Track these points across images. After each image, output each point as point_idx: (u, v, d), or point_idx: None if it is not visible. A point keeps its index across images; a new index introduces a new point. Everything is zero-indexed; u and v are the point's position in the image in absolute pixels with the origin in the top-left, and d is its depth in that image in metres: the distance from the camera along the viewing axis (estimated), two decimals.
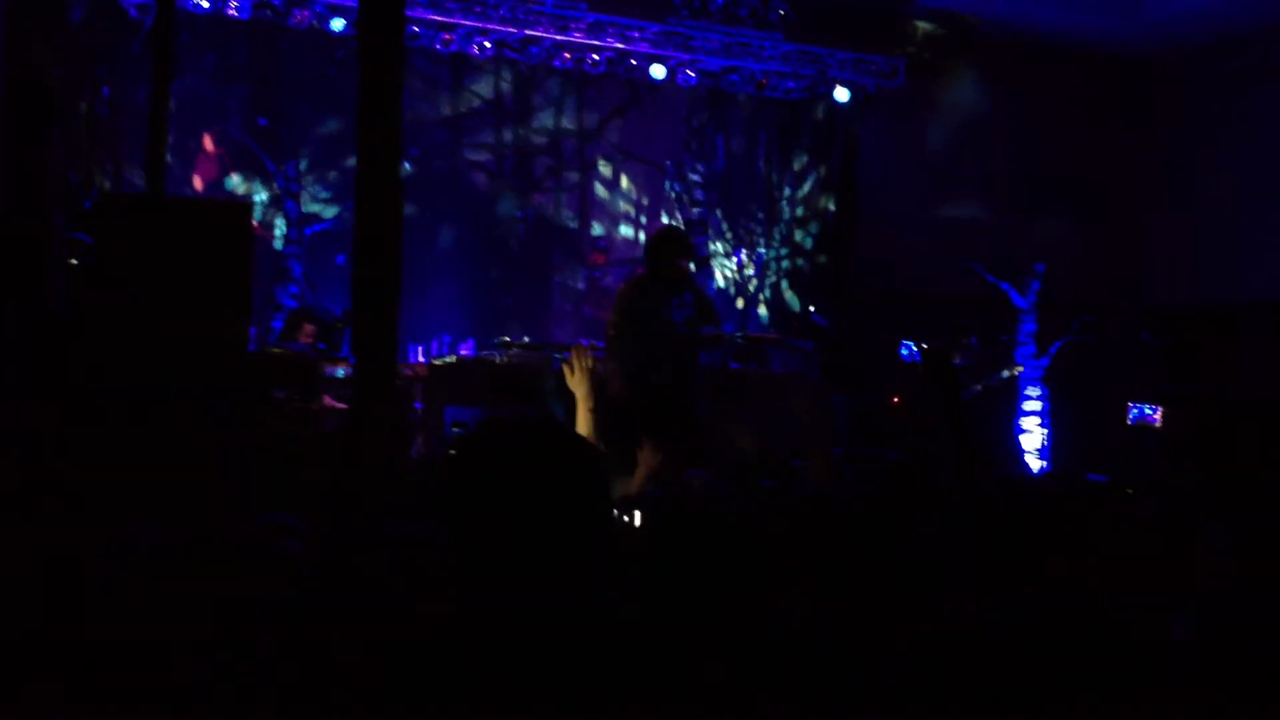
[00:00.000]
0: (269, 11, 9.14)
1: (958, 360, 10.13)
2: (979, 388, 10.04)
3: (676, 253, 6.95)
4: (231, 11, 9.09)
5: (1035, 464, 10.75)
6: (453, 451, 1.73)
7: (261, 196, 9.68)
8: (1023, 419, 10.96)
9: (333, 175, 9.90)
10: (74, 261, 8.05)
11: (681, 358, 6.99)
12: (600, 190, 11.00)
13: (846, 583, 2.26)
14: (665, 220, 11.02)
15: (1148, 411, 9.03)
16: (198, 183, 9.55)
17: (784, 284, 11.30)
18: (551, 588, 1.58)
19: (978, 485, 2.58)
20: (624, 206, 11.07)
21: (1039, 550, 2.37)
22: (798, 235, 11.38)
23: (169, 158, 7.98)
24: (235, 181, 9.68)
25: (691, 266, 7.02)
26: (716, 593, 2.03)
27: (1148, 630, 2.26)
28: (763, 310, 11.29)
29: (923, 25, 10.61)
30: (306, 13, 9.20)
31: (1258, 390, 9.56)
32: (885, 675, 1.94)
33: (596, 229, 10.96)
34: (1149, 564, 2.60)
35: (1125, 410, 9.62)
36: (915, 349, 10.01)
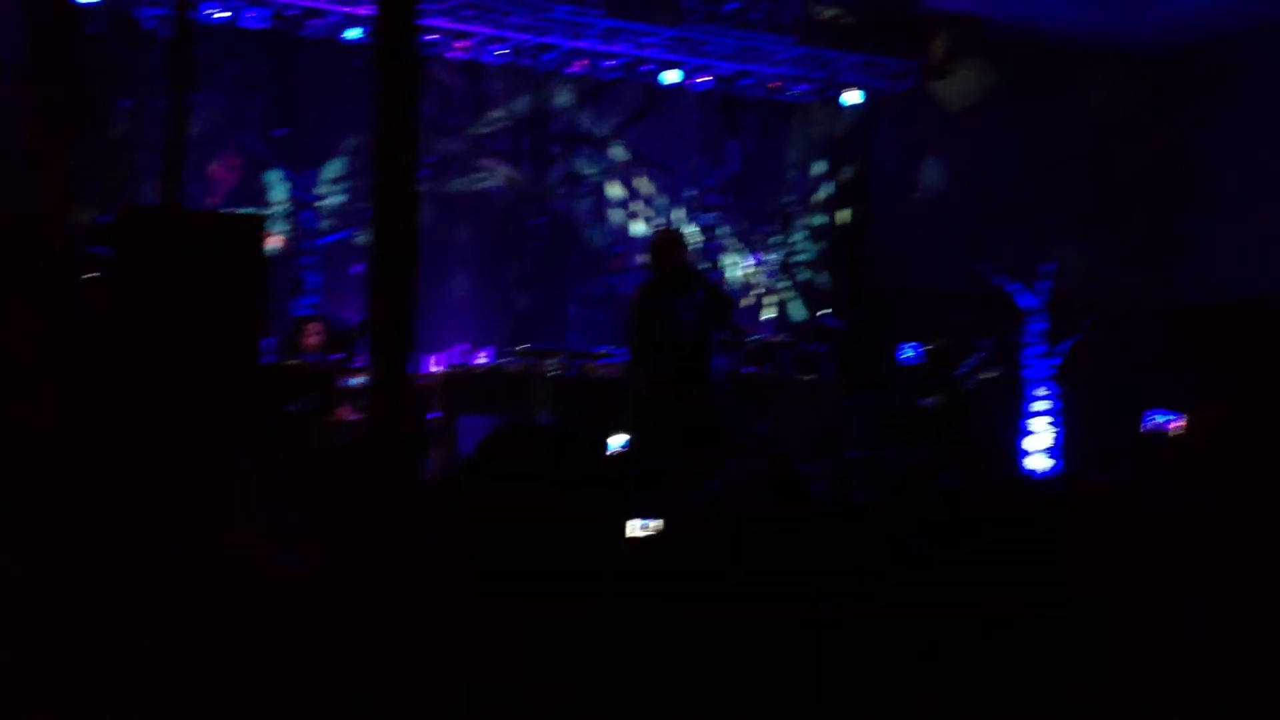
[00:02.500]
0: (284, 22, 9.21)
1: (968, 360, 10.15)
2: (970, 386, 10.05)
3: (675, 253, 7.02)
4: (247, 22, 9.17)
5: (1045, 463, 10.73)
6: (471, 458, 1.76)
7: (279, 207, 9.74)
8: (1032, 419, 10.94)
9: (350, 185, 9.96)
10: (94, 274, 8.13)
11: (688, 359, 7.04)
12: (616, 196, 11.03)
13: (858, 584, 2.29)
14: (681, 226, 11.06)
15: (1162, 420, 9.00)
16: (216, 194, 9.62)
17: (797, 286, 11.32)
18: (566, 589, 1.62)
19: (980, 485, 2.61)
20: (640, 212, 11.10)
21: (1039, 549, 2.40)
22: (811, 237, 11.40)
23: (187, 170, 8.05)
24: (253, 192, 9.74)
25: (703, 265, 7.10)
26: (732, 595, 2.06)
27: (1153, 625, 2.29)
28: (776, 313, 11.31)
29: (934, 27, 10.65)
30: (322, 22, 9.27)
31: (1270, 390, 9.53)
32: (897, 671, 1.97)
33: (613, 235, 10.99)
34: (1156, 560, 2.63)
35: (1139, 413, 9.60)
36: (921, 350, 10.03)
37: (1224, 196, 11.25)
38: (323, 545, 3.35)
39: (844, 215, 11.24)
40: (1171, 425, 9.85)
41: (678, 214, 11.12)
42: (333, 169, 9.95)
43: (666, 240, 7.27)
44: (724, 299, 7.37)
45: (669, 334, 7.00)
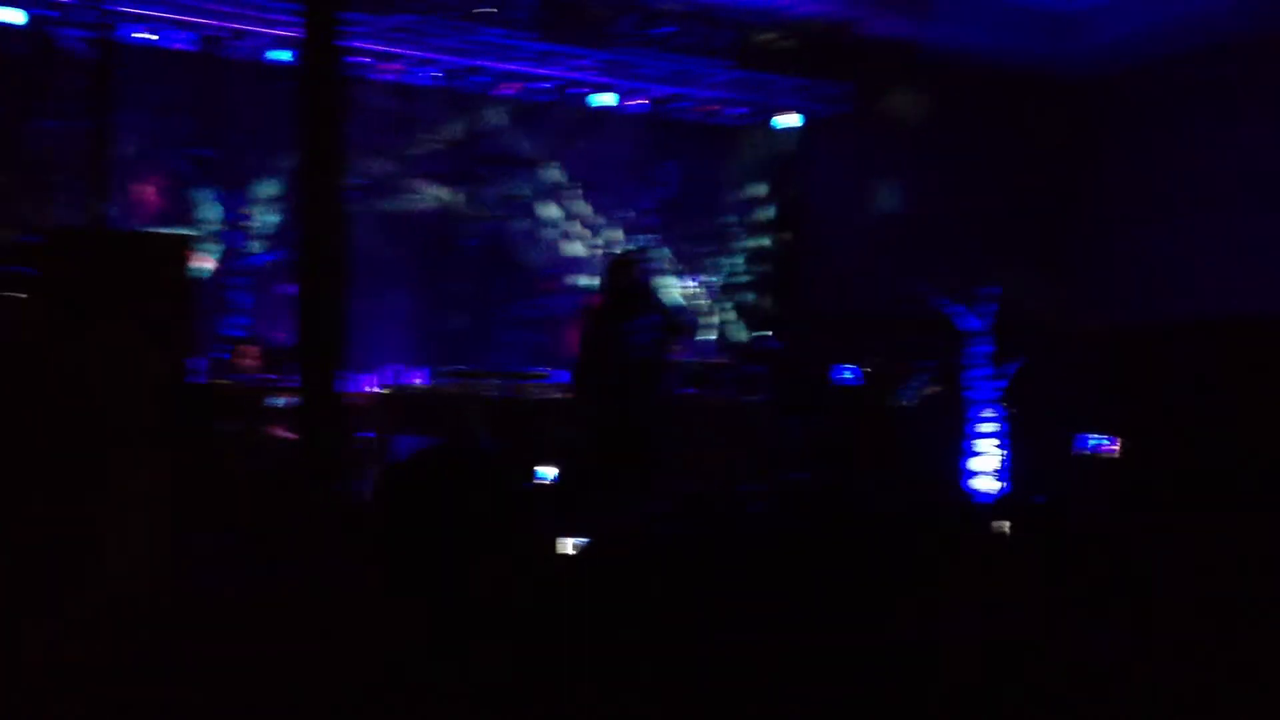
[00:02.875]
0: (210, 43, 9.11)
1: (909, 383, 10.21)
2: (911, 407, 10.12)
3: (626, 276, 7.03)
4: (173, 43, 9.06)
5: (993, 485, 10.81)
6: (383, 481, 1.72)
7: (207, 229, 9.62)
8: (977, 441, 11.02)
9: (278, 206, 9.86)
10: (18, 295, 7.97)
11: (635, 381, 7.06)
12: (550, 217, 11.00)
13: (777, 603, 2.27)
14: (616, 248, 11.05)
15: (1095, 442, 9.10)
16: (142, 215, 9.48)
17: (736, 308, 11.35)
18: (477, 608, 1.59)
19: (906, 504, 2.60)
20: (574, 234, 11.08)
21: (959, 567, 2.40)
22: (749, 260, 11.44)
23: (112, 191, 7.94)
24: (180, 213, 9.61)
25: (654, 287, 7.13)
26: (649, 618, 2.03)
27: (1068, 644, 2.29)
28: (714, 335, 11.33)
29: (869, 51, 10.76)
30: (248, 44, 9.17)
31: (1202, 410, 9.68)
32: (809, 691, 1.95)
33: (546, 257, 10.95)
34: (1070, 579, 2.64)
35: (1072, 439, 9.70)
36: (859, 371, 10.08)
37: (1139, 220, 11.43)
38: (249, 564, 3.29)
39: (781, 237, 11.30)
40: (1104, 449, 9.98)
41: (613, 235, 11.12)
42: (262, 190, 9.84)
43: (617, 263, 7.29)
44: (677, 324, 7.39)
45: (622, 356, 7.02)
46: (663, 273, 11.21)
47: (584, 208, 11.11)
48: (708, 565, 2.38)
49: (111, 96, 6.76)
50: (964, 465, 10.83)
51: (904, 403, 10.22)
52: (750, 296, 11.35)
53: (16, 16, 8.40)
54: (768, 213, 11.41)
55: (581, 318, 7.54)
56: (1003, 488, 10.75)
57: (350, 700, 1.61)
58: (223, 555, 3.29)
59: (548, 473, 8.10)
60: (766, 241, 11.39)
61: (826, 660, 2.00)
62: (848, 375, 9.90)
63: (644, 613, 1.95)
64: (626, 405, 7.05)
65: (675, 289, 7.44)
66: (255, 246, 9.77)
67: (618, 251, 9.53)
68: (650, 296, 7.24)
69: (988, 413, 10.91)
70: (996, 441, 10.91)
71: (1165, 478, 8.39)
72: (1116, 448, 9.79)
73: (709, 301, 11.35)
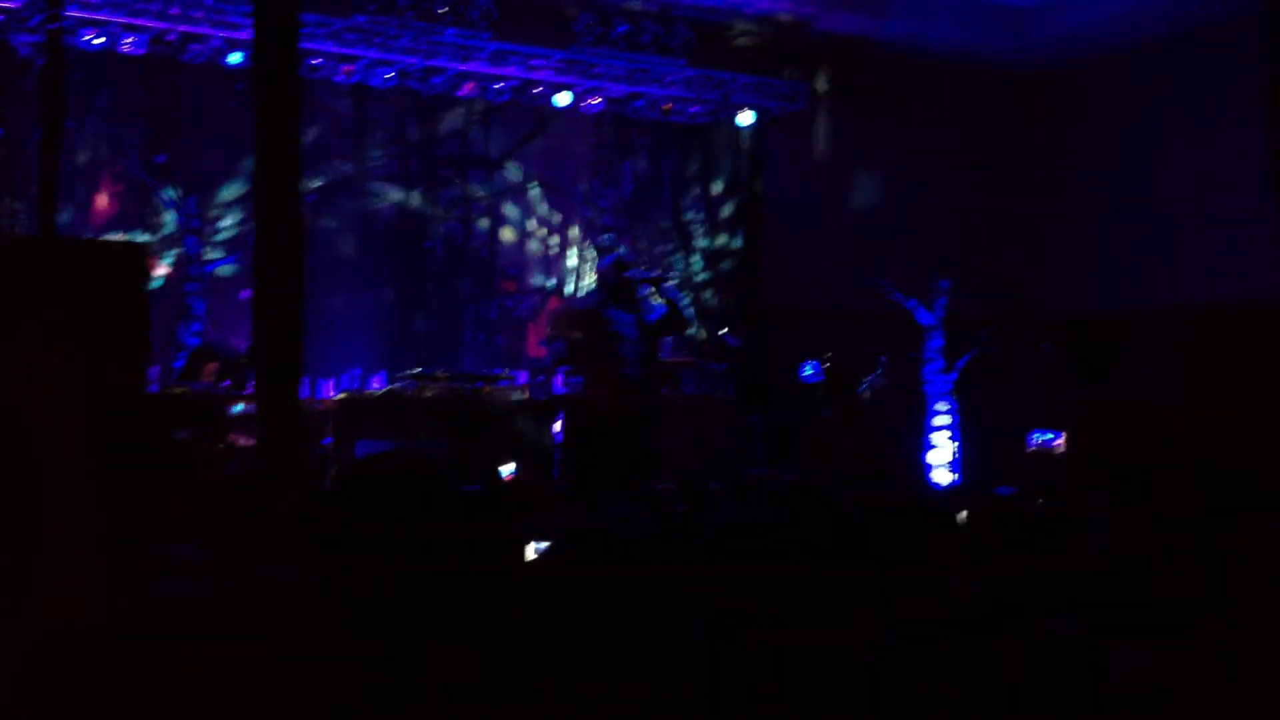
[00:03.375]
0: (165, 47, 9.02)
1: (868, 379, 10.25)
2: (868, 401, 10.17)
3: (624, 273, 7.23)
4: (126, 48, 8.96)
5: (946, 477, 10.88)
6: (331, 489, 1.70)
7: (161, 233, 9.52)
8: (932, 434, 11.09)
9: (233, 211, 9.77)
10: None
11: (639, 376, 7.23)
12: (509, 218, 10.97)
13: (754, 602, 2.26)
14: (574, 247, 11.04)
15: (1046, 438, 9.17)
16: (94, 221, 9.38)
17: (696, 306, 11.35)
18: (434, 621, 1.57)
19: (876, 499, 2.61)
20: (533, 234, 11.05)
21: (936, 561, 2.40)
22: (708, 257, 11.45)
23: (64, 198, 7.84)
24: (135, 219, 9.51)
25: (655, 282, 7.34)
26: (619, 621, 2.01)
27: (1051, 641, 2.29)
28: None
29: (825, 48, 10.80)
30: (203, 47, 9.09)
31: (1155, 398, 9.78)
32: (790, 690, 1.94)
33: (506, 257, 10.92)
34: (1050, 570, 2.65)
35: (1026, 435, 9.78)
36: (820, 367, 10.11)
37: (1098, 211, 11.53)
38: (210, 575, 3.24)
39: (740, 234, 11.31)
40: (1054, 443, 10.06)
41: (573, 234, 11.10)
42: (218, 195, 9.76)
43: (622, 263, 7.47)
44: (682, 320, 7.57)
45: (617, 352, 7.21)
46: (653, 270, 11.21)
47: (543, 207, 11.08)
48: (675, 565, 2.37)
49: (63, 102, 6.66)
50: (921, 457, 10.90)
51: (863, 397, 10.26)
52: (710, 293, 11.36)
53: None
54: (727, 210, 11.42)
55: (574, 315, 7.67)
56: (955, 479, 10.82)
57: (314, 710, 1.59)
58: (182, 565, 3.24)
59: (505, 469, 8.12)
60: (725, 239, 11.40)
61: (801, 658, 2.00)
62: (809, 371, 9.93)
63: (610, 615, 1.94)
64: (631, 400, 7.27)
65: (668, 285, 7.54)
66: (211, 253, 9.69)
67: (603, 249, 9.59)
68: (647, 292, 7.44)
69: (942, 405, 10.98)
70: (949, 434, 10.98)
71: (1125, 468, 8.46)
72: (1061, 442, 9.90)
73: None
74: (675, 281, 8.27)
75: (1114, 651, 2.43)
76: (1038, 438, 9.05)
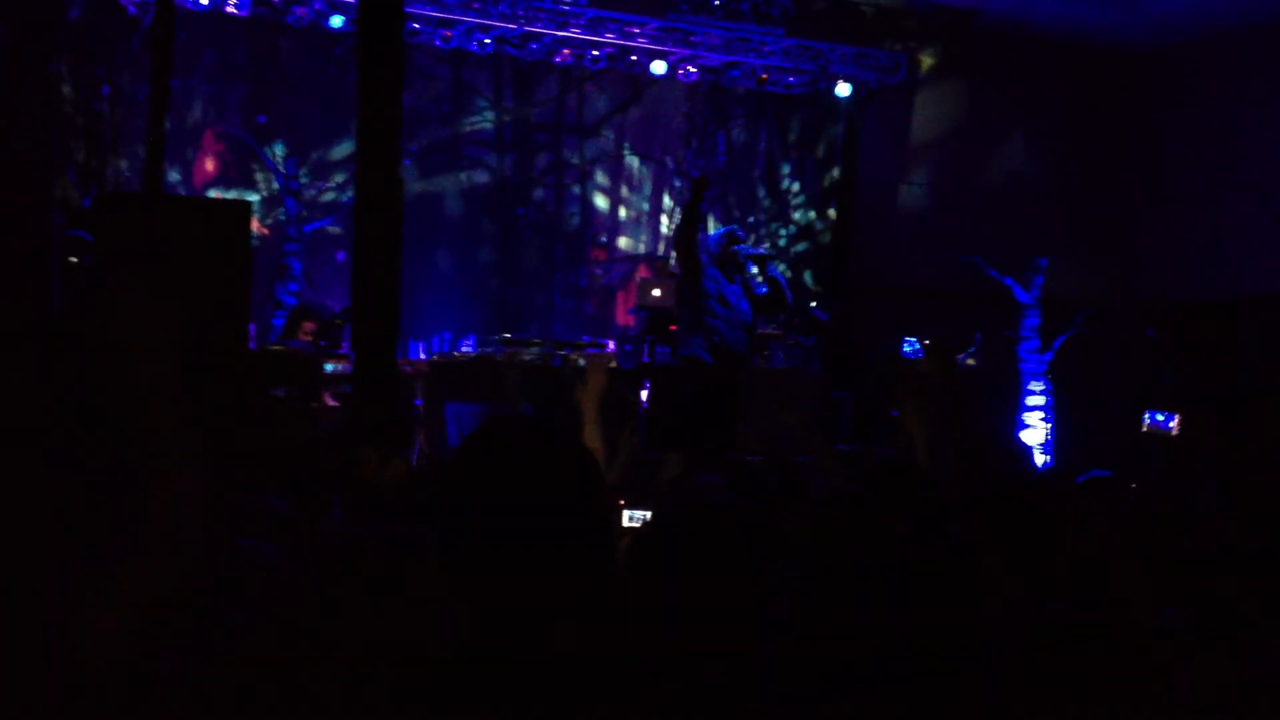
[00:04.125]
0: (268, 9, 9.12)
1: (962, 356, 10.12)
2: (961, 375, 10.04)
3: (730, 243, 7.36)
4: (230, 9, 9.07)
5: (1039, 459, 10.72)
6: (456, 453, 1.69)
7: (262, 193, 9.66)
8: (1026, 413, 10.93)
9: (333, 173, 9.89)
10: (73, 259, 8.05)
11: (739, 346, 7.37)
12: (602, 185, 10.97)
13: (848, 581, 2.24)
14: (665, 216, 11.02)
15: (1160, 419, 8.96)
16: (197, 180, 9.54)
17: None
18: (550, 590, 1.57)
19: (980, 481, 2.56)
20: (625, 201, 11.04)
21: (1042, 545, 2.36)
22: (799, 230, 11.36)
23: (169, 157, 7.97)
24: (236, 179, 9.66)
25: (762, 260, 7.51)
26: (719, 592, 2.00)
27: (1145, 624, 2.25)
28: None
29: (926, 18, 10.60)
30: (306, 10, 9.17)
31: (1261, 386, 9.54)
32: (884, 674, 1.92)
33: (597, 225, 10.93)
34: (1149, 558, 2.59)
35: (1135, 413, 9.56)
36: (919, 345, 9.99)
37: (1198, 195, 11.21)
38: (302, 533, 3.29)
39: (833, 207, 11.20)
40: (1169, 424, 9.82)
41: (664, 202, 11.06)
42: (317, 156, 9.87)
43: (730, 236, 7.58)
44: (782, 300, 7.70)
45: (707, 323, 7.34)
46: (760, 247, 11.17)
47: (636, 176, 11.06)
48: (769, 540, 2.35)
49: (169, 61, 6.77)
50: (1015, 439, 10.75)
51: (960, 375, 10.12)
52: (800, 266, 11.27)
53: None
54: (820, 184, 11.31)
55: (677, 280, 7.93)
56: (1046, 461, 10.66)
57: (412, 675, 1.59)
58: (270, 519, 3.29)
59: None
60: (817, 212, 11.30)
61: (897, 645, 1.97)
62: (909, 348, 9.81)
63: (706, 588, 1.93)
64: (723, 369, 7.42)
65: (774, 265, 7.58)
66: (308, 214, 9.81)
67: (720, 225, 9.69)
68: (752, 270, 7.62)
69: (1036, 385, 10.81)
70: (1042, 415, 10.82)
71: (1230, 456, 8.28)
72: (1175, 424, 9.64)
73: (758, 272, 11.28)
74: (782, 266, 8.36)
75: (1220, 645, 2.37)
76: (1153, 418, 8.86)
